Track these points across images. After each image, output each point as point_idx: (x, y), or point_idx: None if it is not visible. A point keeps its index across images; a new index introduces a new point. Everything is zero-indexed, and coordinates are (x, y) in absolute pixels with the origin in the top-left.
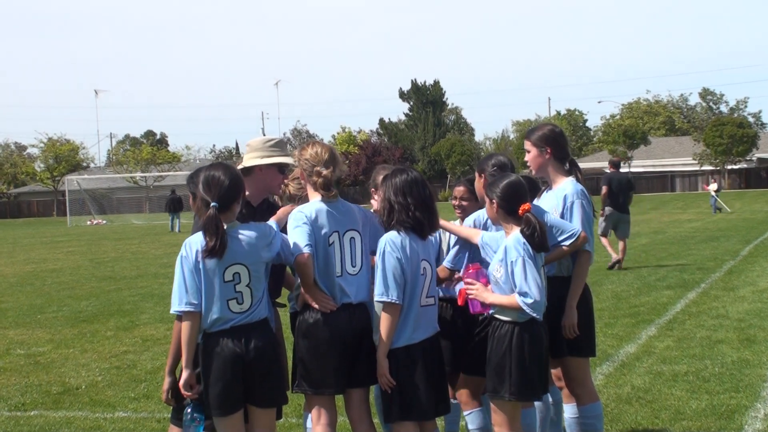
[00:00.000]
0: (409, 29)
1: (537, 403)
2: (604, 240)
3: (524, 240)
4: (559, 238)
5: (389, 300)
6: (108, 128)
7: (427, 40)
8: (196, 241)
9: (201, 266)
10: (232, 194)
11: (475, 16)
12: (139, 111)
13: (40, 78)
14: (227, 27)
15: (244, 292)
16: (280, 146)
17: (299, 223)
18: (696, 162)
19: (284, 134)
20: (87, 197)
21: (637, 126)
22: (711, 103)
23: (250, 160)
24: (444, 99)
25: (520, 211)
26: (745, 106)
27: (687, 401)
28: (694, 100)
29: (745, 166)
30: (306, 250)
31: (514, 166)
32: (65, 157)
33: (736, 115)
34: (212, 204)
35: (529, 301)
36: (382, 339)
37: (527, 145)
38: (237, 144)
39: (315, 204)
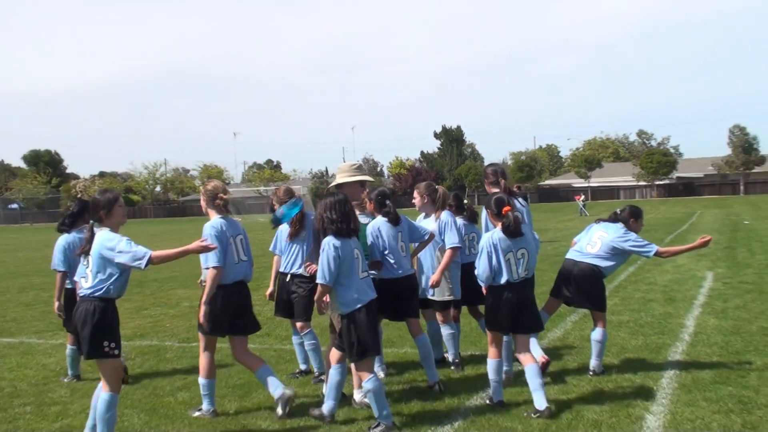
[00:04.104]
0: (441, 92)
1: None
2: None
3: (496, 236)
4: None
5: (324, 282)
6: (242, 157)
7: (452, 98)
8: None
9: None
10: (110, 210)
11: (483, 82)
12: (262, 146)
13: (199, 126)
14: (320, 91)
15: (88, 275)
16: (360, 168)
17: (213, 238)
18: (634, 179)
19: (357, 162)
20: (229, 203)
21: (594, 155)
22: (644, 140)
23: (340, 178)
24: (463, 137)
25: (503, 212)
26: (668, 142)
27: (628, 341)
28: (633, 137)
29: (668, 182)
30: (219, 264)
31: (435, 187)
32: (214, 176)
33: (662, 147)
34: (91, 221)
35: (476, 272)
36: (317, 298)
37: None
38: (327, 168)
39: (218, 219)
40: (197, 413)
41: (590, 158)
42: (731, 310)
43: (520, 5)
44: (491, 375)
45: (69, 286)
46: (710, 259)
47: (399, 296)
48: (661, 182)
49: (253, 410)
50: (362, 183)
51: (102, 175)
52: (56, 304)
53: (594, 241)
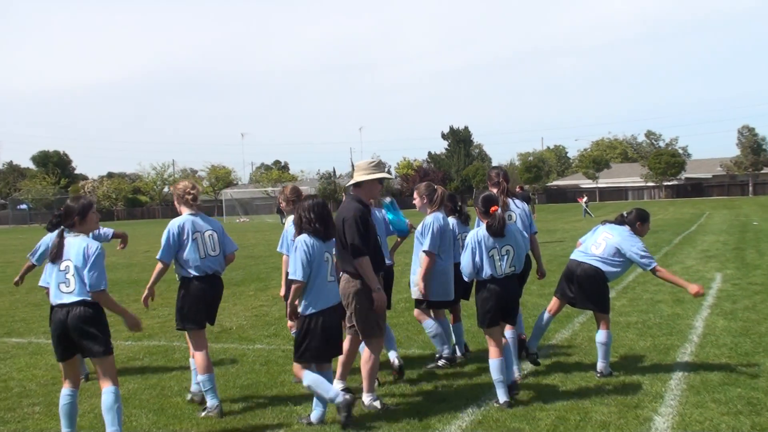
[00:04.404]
0: (448, 93)
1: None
2: None
3: (481, 233)
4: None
5: (297, 278)
6: (250, 158)
7: (459, 99)
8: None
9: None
10: (84, 216)
11: (491, 83)
12: (270, 147)
13: (207, 127)
14: (328, 92)
15: (69, 280)
16: (379, 165)
17: (166, 236)
18: (642, 180)
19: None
20: (236, 204)
21: (602, 156)
22: (653, 140)
23: (359, 176)
24: (471, 138)
25: (491, 211)
26: (677, 142)
27: (637, 342)
28: (641, 138)
29: (676, 182)
30: (162, 259)
31: (434, 187)
32: (222, 177)
33: (670, 148)
34: (62, 227)
35: (461, 265)
36: (290, 301)
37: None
38: (334, 169)
39: (184, 217)
40: (203, 413)
41: (598, 159)
42: (740, 311)
43: (527, 5)
44: (495, 375)
45: None
46: (719, 260)
47: None
48: (669, 183)
49: (261, 410)
50: (380, 180)
51: (110, 175)
52: (17, 279)
53: (599, 242)
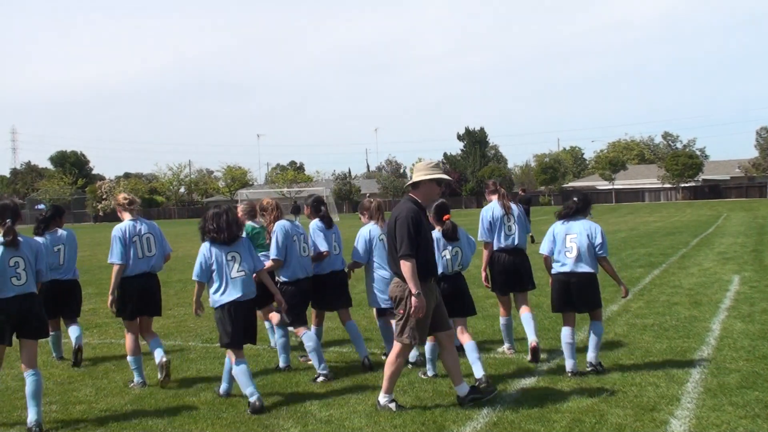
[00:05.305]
0: (464, 94)
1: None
2: None
3: (436, 235)
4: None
5: (195, 279)
6: (266, 159)
7: (475, 100)
8: None
9: None
10: (17, 215)
11: (507, 84)
12: (285, 148)
13: (223, 128)
14: (344, 93)
15: (20, 274)
16: (437, 166)
17: (116, 239)
18: (659, 182)
19: (380, 163)
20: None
21: (618, 157)
22: (670, 142)
23: (417, 176)
24: (487, 139)
25: (444, 219)
26: (694, 144)
27: (653, 344)
28: (658, 139)
29: (693, 184)
30: (118, 261)
31: (372, 200)
32: (238, 178)
33: (687, 149)
34: (7, 220)
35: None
36: (194, 299)
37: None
38: (349, 170)
39: (125, 222)
40: (132, 384)
41: (615, 160)
42: (758, 314)
43: (544, 6)
44: (428, 354)
45: (66, 278)
46: (737, 262)
47: (326, 289)
48: (686, 185)
49: (276, 410)
50: (438, 181)
51: (127, 176)
52: None
53: (569, 247)
